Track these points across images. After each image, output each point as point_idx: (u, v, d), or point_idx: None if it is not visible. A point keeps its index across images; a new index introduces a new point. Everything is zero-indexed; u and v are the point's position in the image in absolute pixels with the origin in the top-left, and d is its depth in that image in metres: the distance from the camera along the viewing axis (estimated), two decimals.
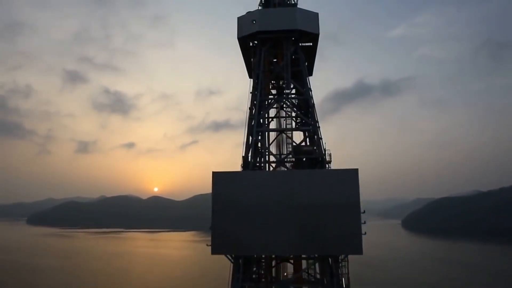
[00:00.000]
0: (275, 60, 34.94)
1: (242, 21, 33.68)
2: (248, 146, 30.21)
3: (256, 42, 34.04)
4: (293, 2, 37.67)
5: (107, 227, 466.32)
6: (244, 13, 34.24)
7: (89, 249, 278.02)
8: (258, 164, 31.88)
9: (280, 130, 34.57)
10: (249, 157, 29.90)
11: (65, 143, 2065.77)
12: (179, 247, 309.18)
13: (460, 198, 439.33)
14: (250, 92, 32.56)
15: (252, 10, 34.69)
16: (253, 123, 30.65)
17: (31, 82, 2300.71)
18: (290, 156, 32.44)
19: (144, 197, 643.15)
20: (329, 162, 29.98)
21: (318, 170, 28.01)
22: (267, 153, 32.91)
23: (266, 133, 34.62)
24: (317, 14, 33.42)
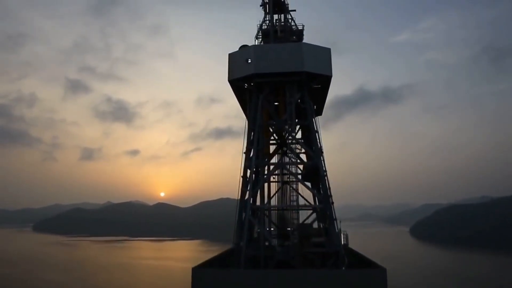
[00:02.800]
0: (277, 103, 28.04)
1: (234, 59, 26.59)
2: (240, 225, 23.13)
3: (252, 84, 27.01)
4: (299, 28, 30.65)
5: (112, 235, 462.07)
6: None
7: (92, 260, 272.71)
8: (255, 242, 24.92)
9: (282, 208, 27.42)
10: (242, 244, 22.83)
11: (70, 150, 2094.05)
12: (185, 258, 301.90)
13: (470, 205, 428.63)
14: (244, 152, 25.42)
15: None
16: (246, 196, 23.55)
17: (35, 91, 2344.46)
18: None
19: (151, 203, 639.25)
20: (346, 244, 23.01)
21: (333, 271, 20.96)
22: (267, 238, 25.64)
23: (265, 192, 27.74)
24: (328, 50, 26.31)
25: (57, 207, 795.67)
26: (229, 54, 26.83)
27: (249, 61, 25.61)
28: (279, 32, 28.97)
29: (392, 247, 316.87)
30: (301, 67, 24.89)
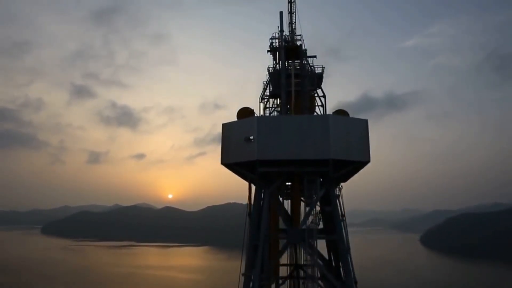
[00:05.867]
0: (290, 185, 20.15)
1: (229, 133, 18.44)
2: None
3: (255, 171, 18.79)
4: (318, 72, 22.60)
5: (119, 239, 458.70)
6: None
7: (97, 268, 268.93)
8: None
9: None
10: None
11: (77, 153, 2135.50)
12: (190, 268, 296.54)
13: (483, 214, 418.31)
14: (242, 274, 17.43)
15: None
16: None
17: (41, 97, 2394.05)
18: None
19: (158, 206, 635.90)
20: None
21: None
22: None
23: None
24: (365, 122, 18.05)
25: (66, 208, 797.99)
26: (223, 125, 18.59)
27: (251, 139, 17.37)
28: (293, 103, 20.17)
29: (402, 257, 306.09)
30: (327, 153, 16.46)
